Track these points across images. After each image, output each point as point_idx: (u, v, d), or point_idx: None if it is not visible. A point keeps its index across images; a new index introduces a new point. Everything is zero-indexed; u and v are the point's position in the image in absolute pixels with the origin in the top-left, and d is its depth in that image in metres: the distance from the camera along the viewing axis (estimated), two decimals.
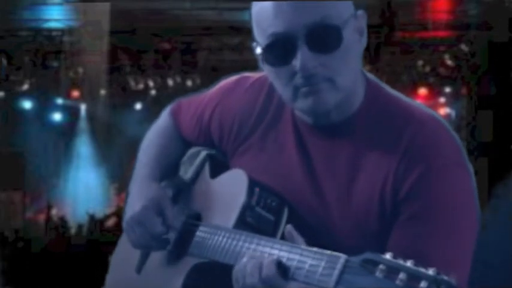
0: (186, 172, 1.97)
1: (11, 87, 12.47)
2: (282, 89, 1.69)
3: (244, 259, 1.55)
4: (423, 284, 1.29)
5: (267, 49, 1.64)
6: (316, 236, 1.62)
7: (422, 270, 1.31)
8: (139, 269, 1.93)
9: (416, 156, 1.60)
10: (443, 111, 12.06)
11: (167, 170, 2.01)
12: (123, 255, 2.01)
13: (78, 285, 7.82)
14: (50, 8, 10.79)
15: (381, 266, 1.34)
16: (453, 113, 12.17)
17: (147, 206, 1.86)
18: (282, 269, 1.50)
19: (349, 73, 1.64)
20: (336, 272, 1.41)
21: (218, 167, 1.87)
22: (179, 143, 2.02)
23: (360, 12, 1.67)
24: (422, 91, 11.70)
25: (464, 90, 11.88)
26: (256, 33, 1.67)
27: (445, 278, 1.30)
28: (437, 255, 1.53)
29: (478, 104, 11.05)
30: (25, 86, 12.40)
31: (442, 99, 12.20)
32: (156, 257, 1.90)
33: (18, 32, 11.72)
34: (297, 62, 1.60)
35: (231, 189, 1.75)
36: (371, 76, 1.74)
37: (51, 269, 9.15)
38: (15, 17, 10.81)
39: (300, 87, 1.63)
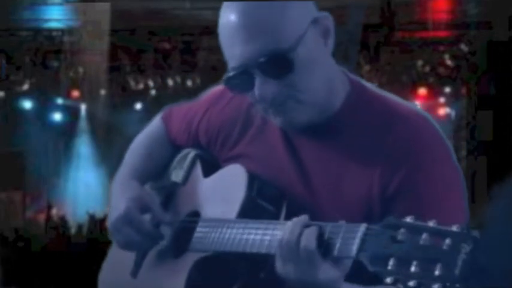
0: (178, 176, 1.96)
1: (11, 87, 12.49)
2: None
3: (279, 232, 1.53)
4: (448, 241, 1.27)
5: (228, 81, 1.68)
6: None
7: (446, 228, 1.29)
8: (134, 273, 1.91)
9: (402, 153, 1.61)
10: (443, 111, 12.07)
11: (152, 171, 2.02)
12: (117, 259, 1.98)
13: (78, 284, 7.81)
14: (50, 8, 10.80)
15: (402, 230, 1.32)
16: (453, 113, 12.17)
17: (131, 206, 1.86)
18: (320, 240, 1.48)
19: (316, 83, 1.64)
20: (357, 241, 1.41)
21: (209, 165, 1.87)
22: (168, 147, 2.03)
23: (322, 15, 1.66)
24: (422, 91, 11.70)
25: (464, 90, 11.89)
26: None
27: (470, 232, 1.28)
28: None
29: (478, 104, 11.05)
30: (25, 86, 12.43)
31: (441, 99, 12.20)
32: (153, 259, 1.89)
33: (18, 32, 11.74)
34: (256, 91, 1.63)
35: (230, 183, 1.75)
36: (353, 76, 1.75)
37: (51, 269, 9.15)
38: (15, 17, 10.82)
39: (267, 109, 1.67)
